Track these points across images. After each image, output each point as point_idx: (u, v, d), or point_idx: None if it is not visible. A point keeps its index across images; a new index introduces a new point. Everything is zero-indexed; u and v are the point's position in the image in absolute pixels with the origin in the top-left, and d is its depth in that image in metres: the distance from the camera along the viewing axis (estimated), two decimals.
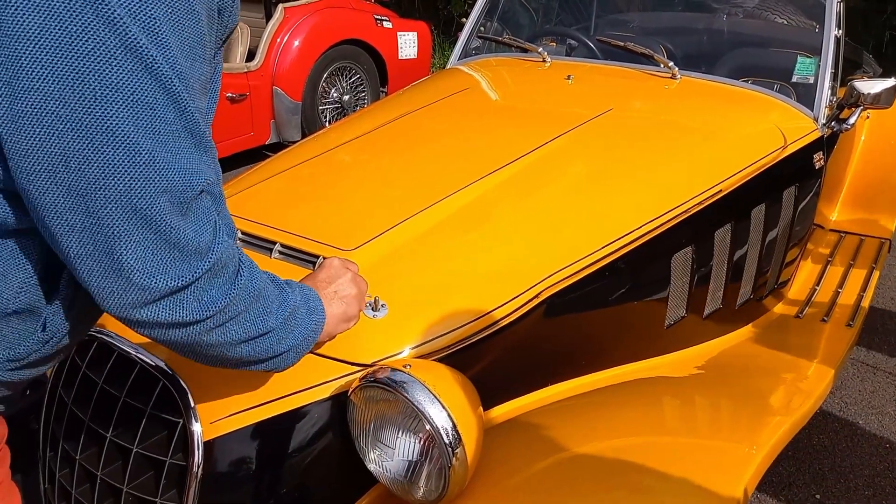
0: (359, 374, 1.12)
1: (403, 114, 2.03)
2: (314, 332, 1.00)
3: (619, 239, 1.49)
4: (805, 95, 2.18)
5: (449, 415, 1.02)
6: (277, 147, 4.41)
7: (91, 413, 1.20)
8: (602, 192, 1.63)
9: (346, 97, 5.01)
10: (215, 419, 1.10)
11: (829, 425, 2.38)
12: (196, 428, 1.09)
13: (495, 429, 1.25)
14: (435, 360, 1.19)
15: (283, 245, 1.34)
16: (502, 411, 1.31)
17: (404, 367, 1.06)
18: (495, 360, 1.30)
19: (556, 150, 1.74)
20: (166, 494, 1.11)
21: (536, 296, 1.34)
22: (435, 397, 1.03)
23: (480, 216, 1.48)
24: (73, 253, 0.75)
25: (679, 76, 2.26)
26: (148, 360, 1.16)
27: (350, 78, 5.05)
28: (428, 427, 1.02)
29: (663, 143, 1.86)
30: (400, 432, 1.06)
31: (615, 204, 1.60)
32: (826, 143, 2.18)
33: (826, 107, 2.16)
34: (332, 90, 4.95)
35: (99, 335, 1.24)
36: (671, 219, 1.60)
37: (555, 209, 1.54)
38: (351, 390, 1.10)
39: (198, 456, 1.09)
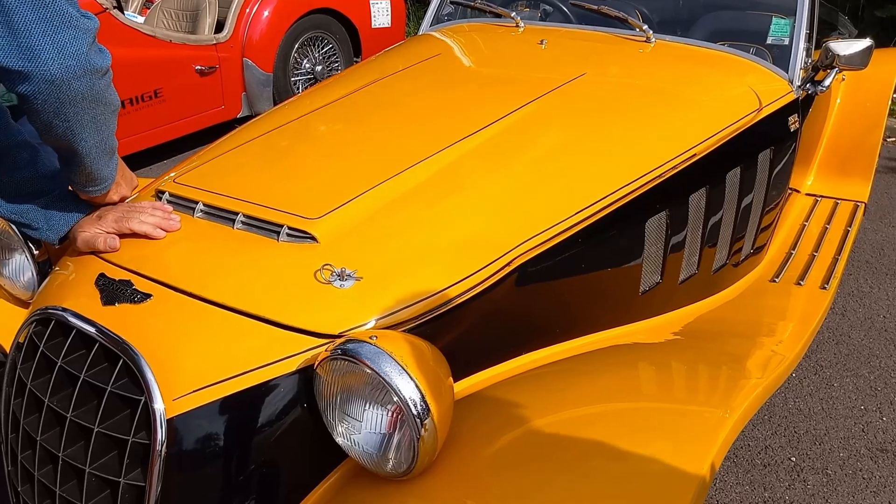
0: (325, 347, 1.09)
1: (373, 81, 1.98)
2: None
3: (592, 205, 1.47)
4: (780, 57, 2.16)
5: (417, 386, 1.00)
6: (249, 120, 4.34)
7: (50, 393, 1.16)
8: (575, 158, 1.60)
9: (318, 68, 4.92)
10: (178, 396, 1.07)
11: (804, 389, 2.40)
12: (158, 405, 1.06)
13: (467, 399, 1.23)
14: (403, 330, 1.16)
15: (245, 215, 1.30)
16: (474, 382, 1.29)
17: (370, 338, 1.04)
18: (466, 330, 1.27)
19: (528, 116, 1.70)
20: (130, 474, 1.08)
21: (508, 264, 1.31)
22: (402, 368, 1.00)
23: (451, 184, 1.45)
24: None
25: (654, 39, 2.22)
26: (107, 338, 1.13)
27: (322, 48, 4.96)
28: (396, 399, 1.00)
29: (637, 108, 1.84)
30: (367, 405, 1.04)
31: (588, 170, 1.57)
32: (801, 106, 2.16)
33: (801, 68, 2.14)
34: (305, 61, 4.86)
35: (56, 312, 1.21)
36: (645, 184, 1.57)
37: (527, 176, 1.51)
38: (317, 363, 1.07)
39: (161, 434, 1.06)
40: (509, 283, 1.32)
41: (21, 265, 1.48)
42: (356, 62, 5.11)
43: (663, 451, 1.10)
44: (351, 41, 5.12)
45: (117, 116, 1.27)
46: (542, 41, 2.23)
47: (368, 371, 1.01)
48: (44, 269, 1.46)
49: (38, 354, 1.20)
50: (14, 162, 1.31)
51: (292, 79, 4.76)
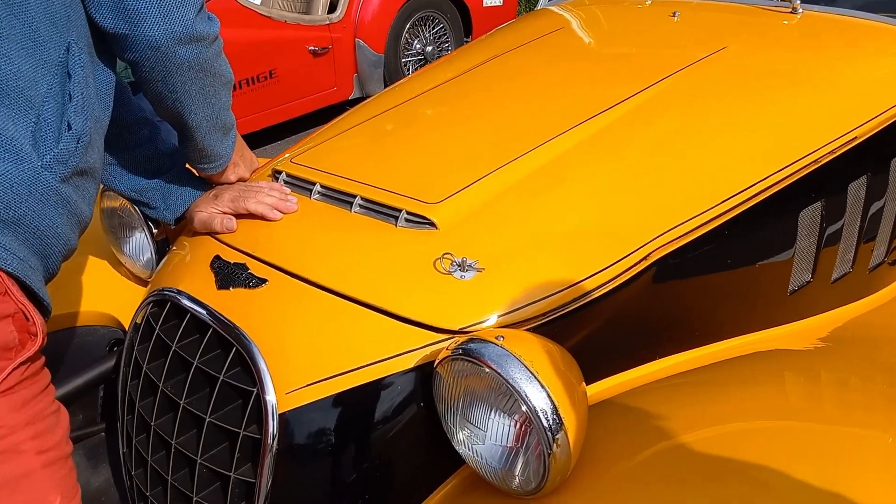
0: (445, 344, 1.00)
1: (485, 60, 1.87)
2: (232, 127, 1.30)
3: (739, 193, 1.31)
4: None
5: (549, 395, 0.89)
6: (361, 102, 4.35)
7: (164, 377, 1.14)
8: (717, 141, 1.44)
9: (429, 48, 4.87)
10: (291, 389, 1.02)
11: None
12: (271, 398, 1.02)
13: (596, 408, 1.11)
14: (529, 328, 1.06)
15: (363, 198, 1.23)
16: (604, 387, 1.17)
17: (497, 338, 0.94)
18: (597, 331, 1.16)
19: (661, 95, 1.55)
20: (240, 469, 1.04)
21: (644, 258, 1.18)
22: (532, 375, 0.90)
23: (576, 168, 1.33)
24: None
25: (801, 10, 2.00)
26: (220, 324, 1.09)
27: (433, 28, 4.89)
28: (524, 408, 0.90)
29: (786, 85, 1.65)
30: (492, 412, 0.94)
31: (733, 154, 1.41)
32: None
33: None
34: (415, 41, 4.81)
35: (171, 294, 1.18)
36: (798, 170, 1.40)
37: (663, 160, 1.37)
38: (437, 361, 0.98)
39: (272, 428, 1.01)
40: (645, 279, 1.19)
41: (141, 244, 1.48)
42: (466, 42, 5.03)
43: (820, 485, 0.95)
44: (462, 21, 5.03)
45: (231, 91, 1.23)
46: (674, 13, 2.05)
47: (494, 375, 0.91)
48: (162, 249, 1.46)
49: (154, 337, 1.19)
50: (134, 138, 1.30)
51: (403, 60, 4.73)
